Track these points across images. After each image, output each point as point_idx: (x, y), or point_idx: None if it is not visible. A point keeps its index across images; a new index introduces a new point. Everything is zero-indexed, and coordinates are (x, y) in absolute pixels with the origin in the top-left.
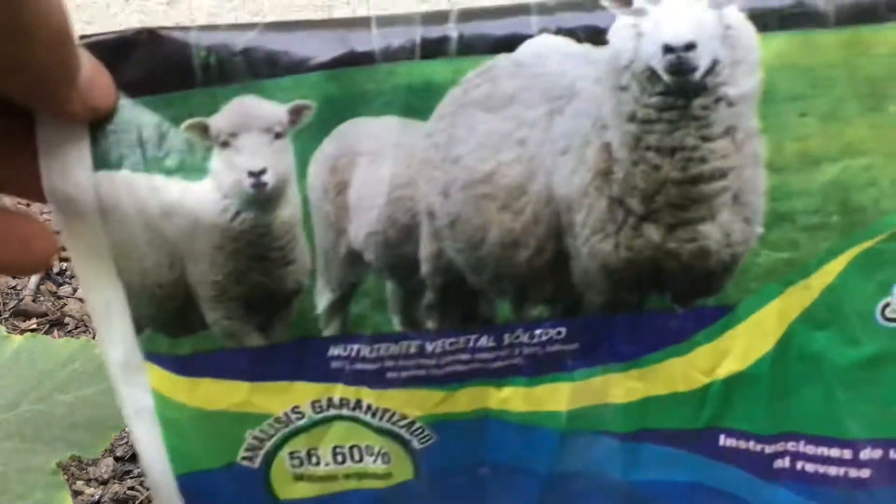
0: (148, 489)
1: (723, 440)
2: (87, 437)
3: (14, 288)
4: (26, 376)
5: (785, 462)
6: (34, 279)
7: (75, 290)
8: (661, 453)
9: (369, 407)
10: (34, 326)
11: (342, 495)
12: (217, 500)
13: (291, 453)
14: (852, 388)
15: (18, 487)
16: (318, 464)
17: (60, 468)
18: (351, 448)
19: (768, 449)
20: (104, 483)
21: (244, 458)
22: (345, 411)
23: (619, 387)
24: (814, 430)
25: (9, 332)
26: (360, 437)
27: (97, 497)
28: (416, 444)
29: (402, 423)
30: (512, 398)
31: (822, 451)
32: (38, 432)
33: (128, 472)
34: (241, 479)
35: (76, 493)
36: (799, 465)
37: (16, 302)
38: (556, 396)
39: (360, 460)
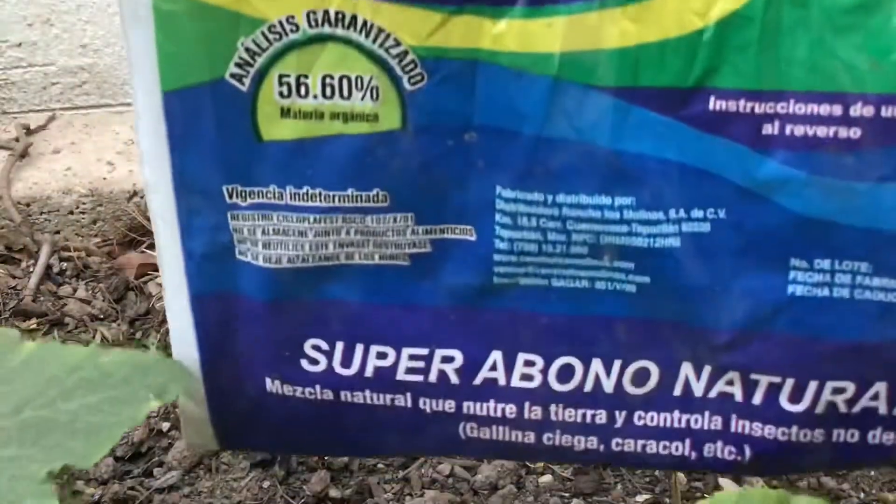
0: (148, 489)
1: (713, 103)
2: (84, 446)
3: (14, 288)
4: (34, 382)
5: (774, 128)
6: (34, 279)
7: (75, 291)
8: (651, 120)
9: (364, 24)
10: (34, 326)
11: (326, 141)
12: (200, 129)
13: (281, 77)
14: (842, 35)
15: (9, 496)
16: (306, 95)
17: (52, 477)
18: (341, 79)
19: (758, 109)
20: (104, 483)
21: (234, 76)
22: (339, 30)
23: (614, 27)
24: (804, 85)
25: (22, 338)
26: (352, 64)
27: (97, 497)
28: (406, 83)
29: (396, 50)
30: (506, 34)
31: (813, 108)
32: (38, 439)
33: (128, 472)
34: (228, 104)
35: (76, 493)
36: (788, 128)
37: (16, 302)
38: (551, 34)
39: (349, 96)
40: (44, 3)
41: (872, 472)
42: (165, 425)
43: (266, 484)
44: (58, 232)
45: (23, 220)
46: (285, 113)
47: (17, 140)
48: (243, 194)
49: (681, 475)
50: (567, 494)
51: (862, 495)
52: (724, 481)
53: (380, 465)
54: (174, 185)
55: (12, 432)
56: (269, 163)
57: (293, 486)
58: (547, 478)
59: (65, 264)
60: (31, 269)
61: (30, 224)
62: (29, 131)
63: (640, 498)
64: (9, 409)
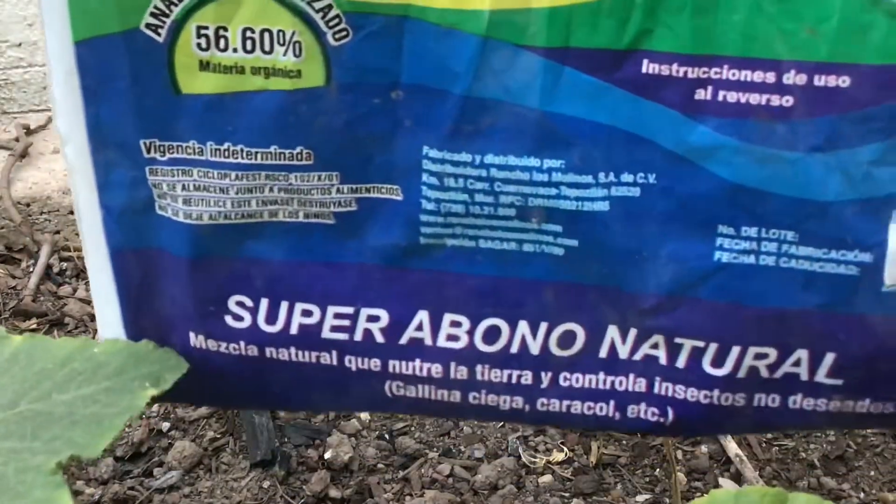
0: (148, 489)
1: (646, 66)
2: (87, 437)
3: (14, 288)
4: (25, 376)
5: (707, 93)
6: (34, 279)
7: (75, 291)
8: (583, 82)
9: None
10: (34, 326)
11: (247, 97)
12: (115, 80)
13: (199, 28)
14: (780, 0)
15: (18, 487)
16: (225, 49)
17: (60, 468)
18: (262, 32)
19: (691, 74)
20: (104, 483)
21: (149, 26)
22: None
23: None
24: (739, 51)
25: (8, 333)
26: (273, 17)
27: (97, 497)
28: (330, 39)
29: (319, 4)
30: None
31: (746, 74)
32: (37, 432)
33: (128, 472)
34: (144, 55)
35: (76, 493)
36: (721, 94)
37: (16, 302)
38: None
39: (271, 51)
40: None
41: (872, 472)
42: (165, 425)
43: (266, 484)
44: (58, 232)
45: (23, 220)
46: (204, 66)
47: (17, 140)
48: (162, 149)
49: (681, 475)
50: (567, 494)
51: (862, 495)
52: (723, 481)
53: (380, 465)
54: (89, 138)
55: (10, 426)
56: (188, 117)
57: (293, 486)
58: (547, 478)
59: (65, 264)
60: (31, 269)
61: (30, 224)
62: (29, 131)
63: (640, 498)
64: (4, 403)
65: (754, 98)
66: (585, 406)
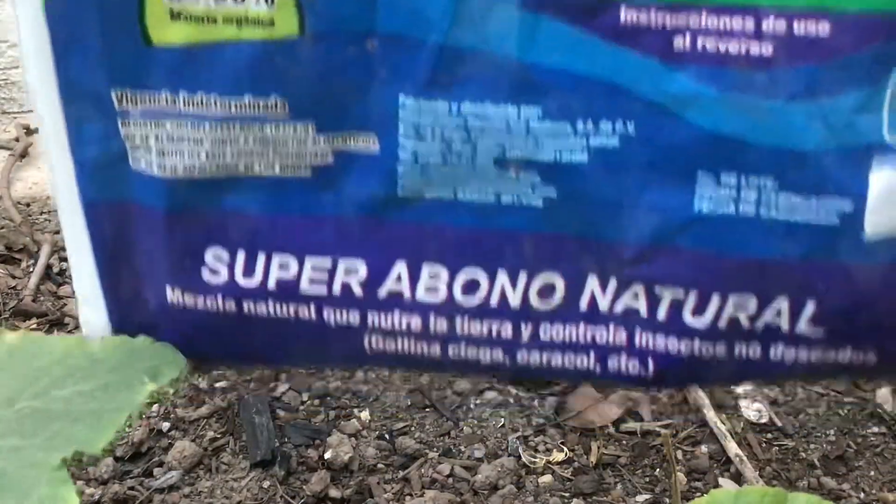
0: (148, 489)
1: (624, 14)
2: (88, 433)
3: (14, 288)
4: (22, 373)
5: (686, 41)
6: (34, 279)
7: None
8: (561, 31)
9: None
10: (34, 326)
11: (219, 47)
12: (84, 32)
13: None
14: None
15: (22, 485)
16: None
17: (66, 464)
18: None
19: (670, 22)
20: (104, 483)
21: None
22: None
23: None
24: None
25: (4, 330)
26: None
27: (97, 497)
28: None
29: None
30: None
31: (725, 22)
32: (36, 429)
33: (128, 472)
34: (113, 5)
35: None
36: (700, 43)
37: (16, 302)
38: None
39: (242, 0)
40: None
41: (872, 472)
42: (165, 425)
43: (266, 484)
44: (58, 232)
45: (23, 220)
46: (175, 16)
47: (17, 140)
48: (134, 100)
49: (681, 475)
50: (567, 494)
51: (862, 495)
52: (723, 481)
53: (380, 465)
54: (60, 91)
55: (10, 424)
56: (160, 67)
57: (293, 486)
58: (547, 478)
59: (65, 264)
60: (31, 269)
61: (30, 224)
62: (29, 131)
63: (640, 498)
64: (2, 401)
65: (734, 46)
66: (566, 358)
